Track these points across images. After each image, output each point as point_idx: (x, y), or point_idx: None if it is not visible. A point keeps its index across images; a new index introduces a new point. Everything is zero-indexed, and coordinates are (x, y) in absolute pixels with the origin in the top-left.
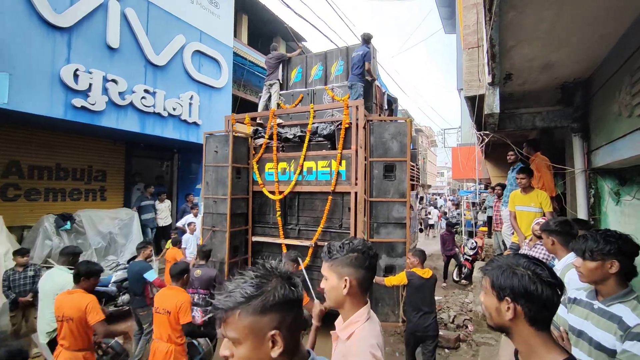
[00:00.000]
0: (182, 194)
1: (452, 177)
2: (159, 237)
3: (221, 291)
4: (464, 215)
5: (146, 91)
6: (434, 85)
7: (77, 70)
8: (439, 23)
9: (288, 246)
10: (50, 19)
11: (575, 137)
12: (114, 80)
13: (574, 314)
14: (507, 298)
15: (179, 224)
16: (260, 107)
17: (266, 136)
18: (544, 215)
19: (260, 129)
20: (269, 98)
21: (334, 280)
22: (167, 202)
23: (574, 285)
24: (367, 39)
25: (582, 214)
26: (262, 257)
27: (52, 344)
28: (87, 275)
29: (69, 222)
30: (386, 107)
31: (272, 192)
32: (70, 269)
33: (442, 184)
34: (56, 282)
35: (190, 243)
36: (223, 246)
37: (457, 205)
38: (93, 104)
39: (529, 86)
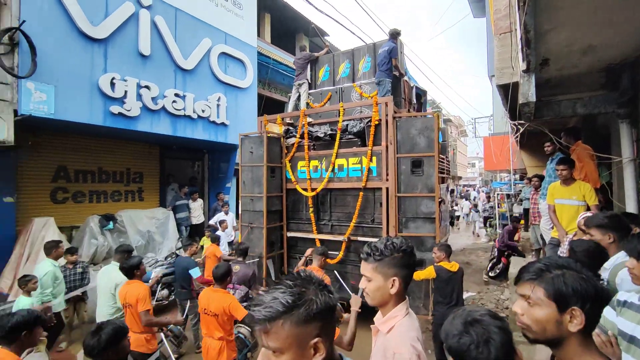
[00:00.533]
0: (212, 192)
1: (484, 168)
2: (193, 235)
3: (258, 302)
4: (498, 207)
5: (177, 95)
6: (462, 73)
7: (113, 78)
8: (465, 7)
9: (322, 241)
10: (87, 32)
11: (623, 124)
12: (146, 87)
13: (624, 317)
14: (574, 307)
15: (212, 222)
16: (290, 107)
17: (297, 135)
18: (589, 209)
19: (291, 128)
20: (299, 98)
21: (380, 281)
22: (200, 201)
23: (627, 286)
24: (394, 35)
25: (631, 206)
26: (297, 252)
27: None
28: (137, 267)
29: (111, 222)
30: (415, 100)
31: (305, 189)
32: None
33: (473, 175)
34: (111, 277)
35: (222, 240)
36: (261, 242)
37: (489, 198)
38: (129, 110)
39: (568, 71)
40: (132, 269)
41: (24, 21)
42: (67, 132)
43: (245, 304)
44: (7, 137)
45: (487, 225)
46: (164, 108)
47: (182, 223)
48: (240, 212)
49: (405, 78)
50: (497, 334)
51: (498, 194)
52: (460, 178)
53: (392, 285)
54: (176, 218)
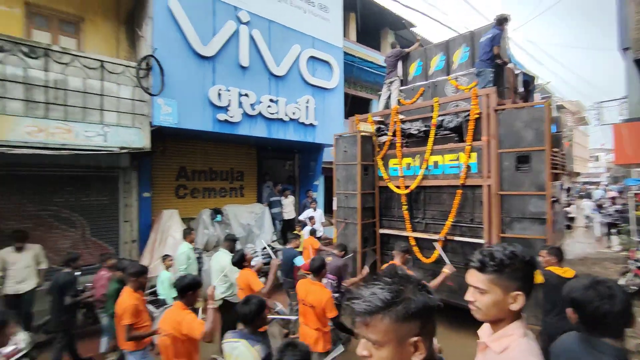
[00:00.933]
0: (302, 190)
1: (615, 162)
2: (285, 229)
3: (358, 296)
4: (634, 210)
5: (271, 100)
6: (580, 49)
7: (220, 89)
8: None
9: (415, 239)
10: (200, 51)
11: None
12: (246, 94)
13: None
14: None
15: (301, 217)
16: (380, 106)
17: (389, 133)
18: None
19: (382, 126)
20: (389, 96)
21: (498, 295)
22: (291, 198)
23: None
24: (500, 21)
25: None
26: (389, 249)
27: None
28: (242, 259)
29: (219, 216)
30: (522, 88)
31: (398, 187)
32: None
33: (597, 170)
34: (221, 262)
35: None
36: (355, 237)
37: (614, 199)
38: (232, 117)
39: None
40: (240, 262)
41: (156, 49)
42: (186, 138)
43: (336, 294)
44: (145, 144)
45: (617, 232)
46: (260, 113)
47: (276, 218)
48: (335, 208)
49: (510, 65)
50: (622, 292)
51: (634, 194)
52: (578, 174)
53: (515, 300)
54: (271, 213)
